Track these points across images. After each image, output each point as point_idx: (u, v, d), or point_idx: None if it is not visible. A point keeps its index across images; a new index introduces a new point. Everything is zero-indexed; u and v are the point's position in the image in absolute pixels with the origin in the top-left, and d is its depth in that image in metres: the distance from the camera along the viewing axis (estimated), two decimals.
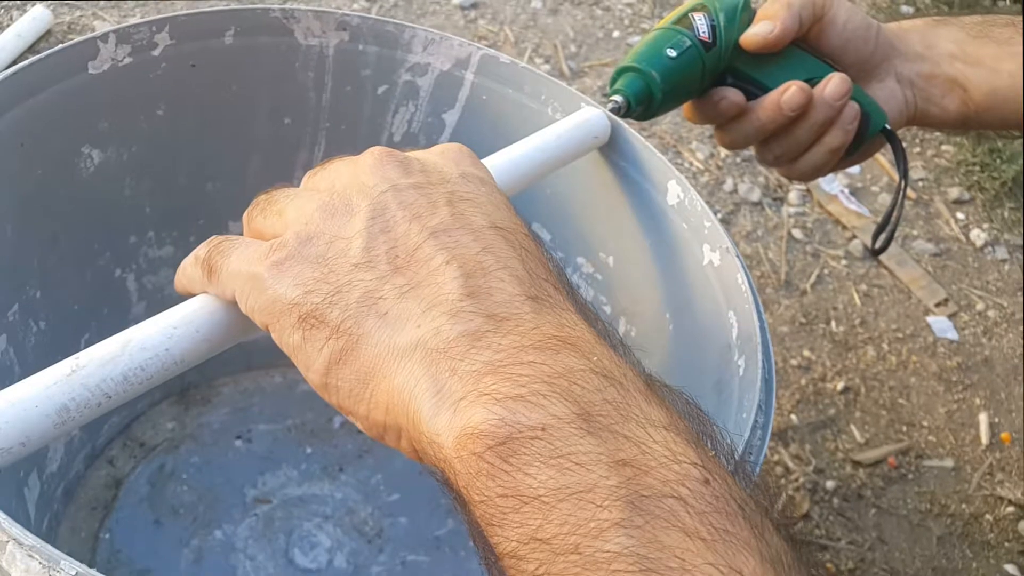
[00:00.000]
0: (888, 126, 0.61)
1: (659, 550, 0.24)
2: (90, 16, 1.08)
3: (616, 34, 1.31)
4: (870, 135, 0.60)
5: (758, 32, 0.57)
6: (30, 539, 0.32)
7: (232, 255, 0.35)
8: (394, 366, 0.29)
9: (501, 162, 0.51)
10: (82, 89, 0.51)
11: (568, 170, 0.61)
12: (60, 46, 0.48)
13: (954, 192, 1.22)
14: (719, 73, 0.58)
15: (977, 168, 1.24)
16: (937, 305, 1.08)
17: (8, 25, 1.03)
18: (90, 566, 0.67)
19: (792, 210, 1.14)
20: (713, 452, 0.28)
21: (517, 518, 0.25)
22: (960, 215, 1.20)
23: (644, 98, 0.56)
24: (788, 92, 0.57)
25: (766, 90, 0.58)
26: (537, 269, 0.32)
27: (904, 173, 0.62)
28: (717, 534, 0.25)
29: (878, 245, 0.64)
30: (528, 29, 1.27)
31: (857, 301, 1.06)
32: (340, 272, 0.31)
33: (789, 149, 0.60)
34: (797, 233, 1.12)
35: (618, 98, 0.56)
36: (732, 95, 0.58)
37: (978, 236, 1.17)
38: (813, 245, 1.11)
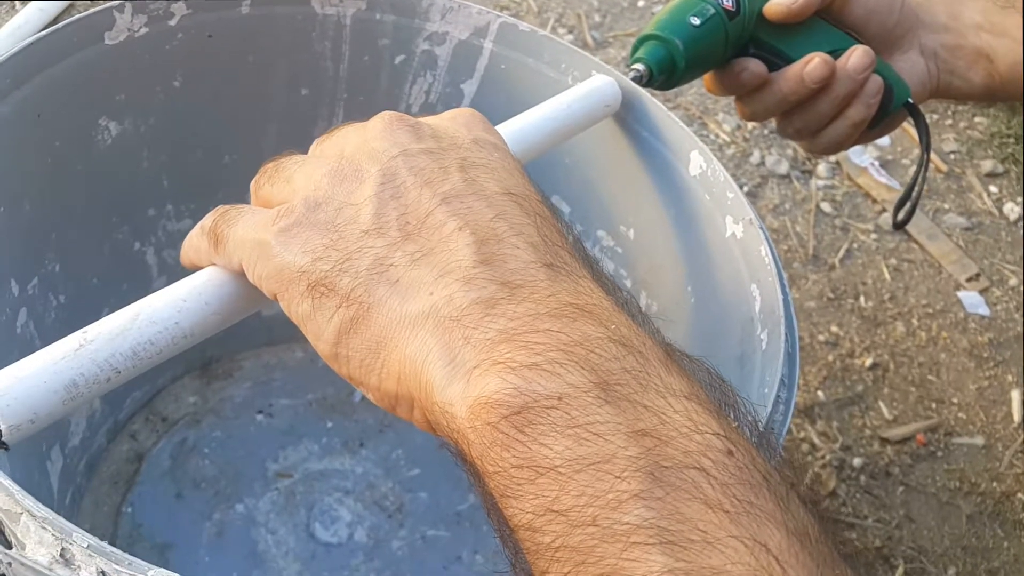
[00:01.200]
0: (911, 99, 0.59)
1: (680, 522, 0.23)
2: None
3: (641, 3, 1.29)
4: (893, 109, 0.59)
5: (782, 2, 0.55)
6: (43, 511, 0.31)
7: (238, 223, 0.34)
8: (406, 335, 0.28)
9: (510, 131, 0.50)
10: (99, 60, 0.50)
11: (588, 140, 0.60)
12: (75, 16, 0.47)
13: (987, 165, 1.19)
14: (742, 43, 0.57)
15: (1012, 140, 1.21)
16: (968, 280, 1.05)
17: None
18: (112, 540, 0.67)
19: (821, 183, 1.12)
20: (736, 423, 0.27)
21: (533, 489, 0.25)
22: (993, 188, 1.17)
23: (666, 67, 0.55)
24: (811, 64, 0.55)
25: (788, 61, 0.57)
26: (552, 236, 0.31)
27: (926, 146, 0.60)
28: (741, 506, 0.24)
29: (900, 217, 0.63)
30: None
31: (887, 276, 1.04)
32: (350, 239, 0.30)
33: (810, 122, 0.59)
34: (826, 206, 1.10)
35: (640, 67, 0.55)
36: (754, 66, 0.57)
37: (1012, 210, 1.14)
38: (842, 219, 1.09)
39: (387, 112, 0.35)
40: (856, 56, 0.56)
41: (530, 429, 0.25)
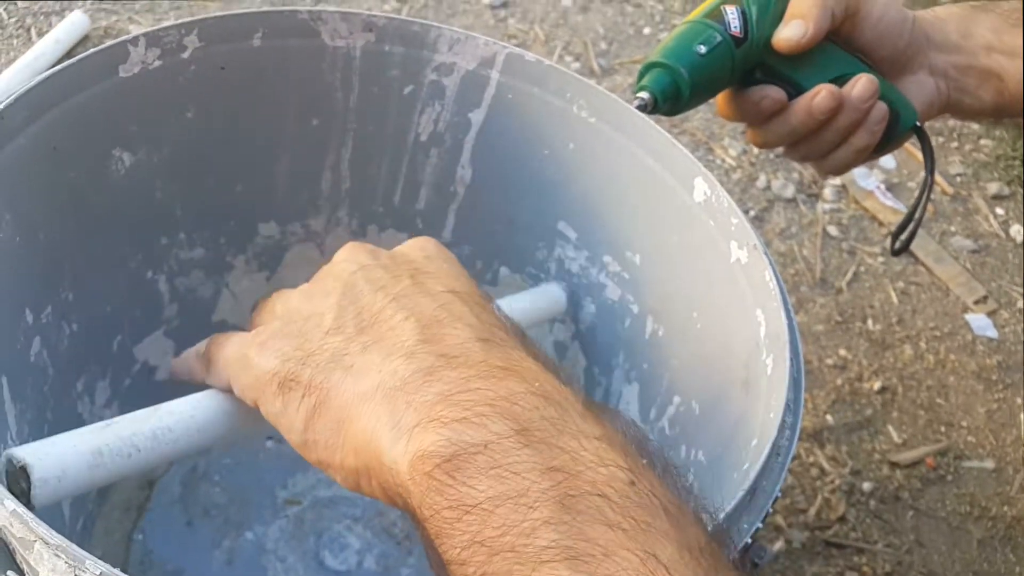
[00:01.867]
0: (919, 123, 0.59)
1: (584, 540, 0.27)
2: (126, 21, 1.10)
3: (647, 31, 1.30)
4: (899, 133, 0.59)
5: (791, 36, 0.56)
6: (56, 539, 0.32)
7: (226, 346, 0.41)
8: (360, 409, 0.33)
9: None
10: (113, 92, 0.51)
11: (595, 168, 0.61)
12: (90, 50, 0.48)
13: (993, 187, 1.19)
14: (748, 69, 0.57)
15: (1017, 162, 1.21)
16: (976, 302, 1.06)
17: (47, 31, 1.06)
18: (124, 567, 0.67)
19: (827, 206, 1.13)
20: (645, 461, 0.31)
21: (460, 526, 0.29)
22: (999, 210, 1.17)
23: (671, 95, 0.55)
24: (818, 97, 0.56)
25: (797, 87, 0.57)
26: (489, 319, 0.36)
27: (931, 170, 0.61)
28: (638, 525, 0.28)
29: (897, 245, 0.63)
30: (558, 27, 1.26)
31: (894, 299, 1.04)
32: (314, 340, 0.36)
33: (816, 149, 0.59)
34: (832, 230, 1.11)
35: (644, 95, 0.55)
36: (774, 93, 0.57)
37: (1018, 232, 1.14)
38: (849, 242, 1.10)
39: (350, 242, 0.43)
40: (860, 86, 0.56)
41: (459, 474, 0.29)
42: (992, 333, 1.03)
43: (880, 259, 1.08)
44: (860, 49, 0.58)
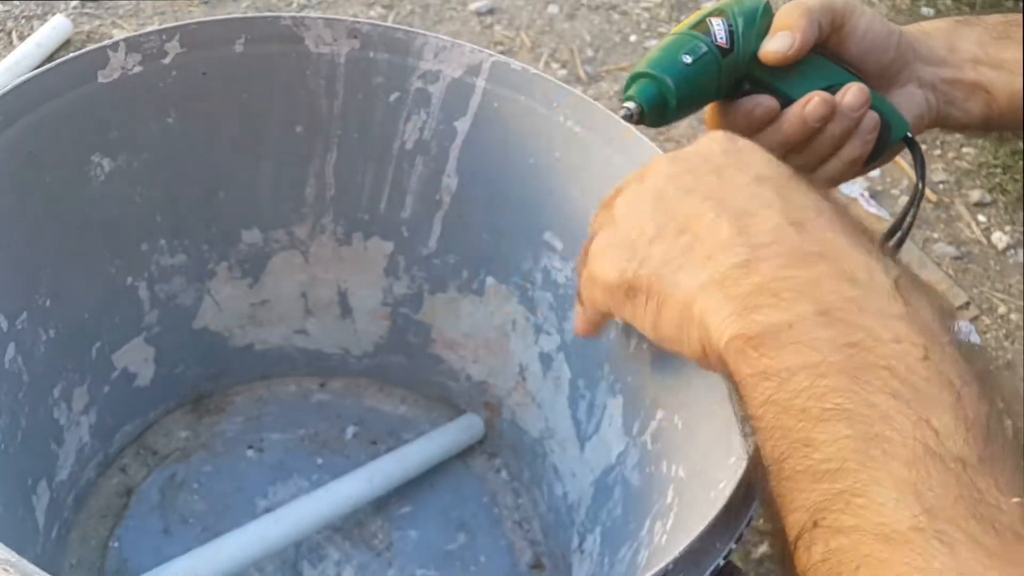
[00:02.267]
0: (910, 133, 0.59)
1: (865, 406, 0.31)
2: (109, 25, 1.09)
3: (633, 38, 1.30)
4: (890, 144, 0.59)
5: (778, 48, 0.55)
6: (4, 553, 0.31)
7: (580, 267, 0.47)
8: (692, 306, 0.37)
9: (392, 459, 0.72)
10: (92, 98, 0.51)
11: (581, 178, 0.60)
12: (69, 55, 0.47)
13: (975, 195, 1.20)
14: (736, 80, 0.57)
15: (999, 170, 1.21)
16: (959, 309, 1.06)
17: (29, 35, 1.04)
18: (100, 573, 0.67)
19: None
20: (947, 338, 0.33)
21: (760, 389, 0.33)
22: (981, 217, 1.18)
23: (657, 105, 0.55)
24: (811, 103, 0.55)
25: (785, 97, 0.57)
26: (798, 200, 0.38)
27: (922, 177, 0.60)
28: (919, 395, 0.30)
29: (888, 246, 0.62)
30: (544, 34, 1.26)
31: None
32: (641, 249, 0.40)
33: (808, 160, 0.58)
34: None
35: (630, 104, 0.55)
36: (767, 101, 0.56)
37: (1000, 239, 1.15)
38: None
39: (657, 156, 0.47)
40: (851, 94, 0.55)
41: (763, 348, 0.33)
42: (975, 339, 1.03)
43: None
44: (848, 63, 0.57)
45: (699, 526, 0.40)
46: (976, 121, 0.61)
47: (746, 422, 0.36)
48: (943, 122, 0.62)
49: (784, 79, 0.57)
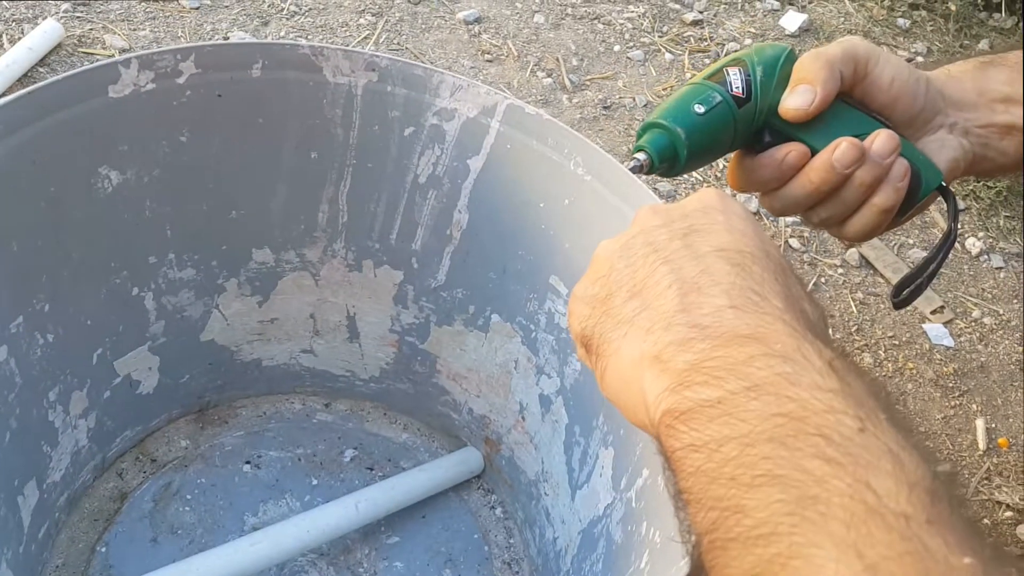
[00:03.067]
0: (944, 183, 0.56)
1: (797, 471, 0.30)
2: (100, 29, 1.09)
3: (617, 48, 1.30)
4: (923, 195, 0.56)
5: (799, 105, 0.53)
6: None
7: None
8: (632, 374, 0.37)
9: (393, 484, 0.73)
10: (101, 112, 0.52)
11: (588, 226, 0.60)
12: (79, 69, 0.48)
13: None
14: (754, 130, 0.55)
15: (972, 178, 1.21)
16: (933, 312, 1.07)
17: (20, 38, 1.04)
18: None
19: (789, 220, 1.13)
20: (885, 416, 0.32)
21: (688, 461, 0.33)
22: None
23: (668, 156, 0.53)
24: (839, 149, 0.52)
25: (810, 148, 0.54)
26: (746, 282, 0.38)
27: (954, 225, 0.57)
28: (856, 461, 0.29)
29: (901, 297, 0.58)
30: (531, 43, 1.26)
31: (853, 309, 1.05)
32: (598, 305, 0.41)
33: (837, 211, 0.55)
34: (794, 242, 1.12)
35: (641, 155, 0.54)
36: (799, 148, 0.54)
37: (974, 244, 1.16)
38: (810, 254, 1.11)
39: (643, 206, 0.45)
40: (880, 141, 0.52)
41: (693, 423, 0.33)
42: (949, 342, 1.04)
43: (840, 270, 1.09)
44: (876, 112, 0.55)
45: None
46: (1012, 161, 0.58)
47: (678, 497, 0.35)
48: (978, 166, 0.59)
49: (808, 129, 0.54)
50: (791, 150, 0.54)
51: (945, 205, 0.57)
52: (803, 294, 0.39)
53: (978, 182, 1.22)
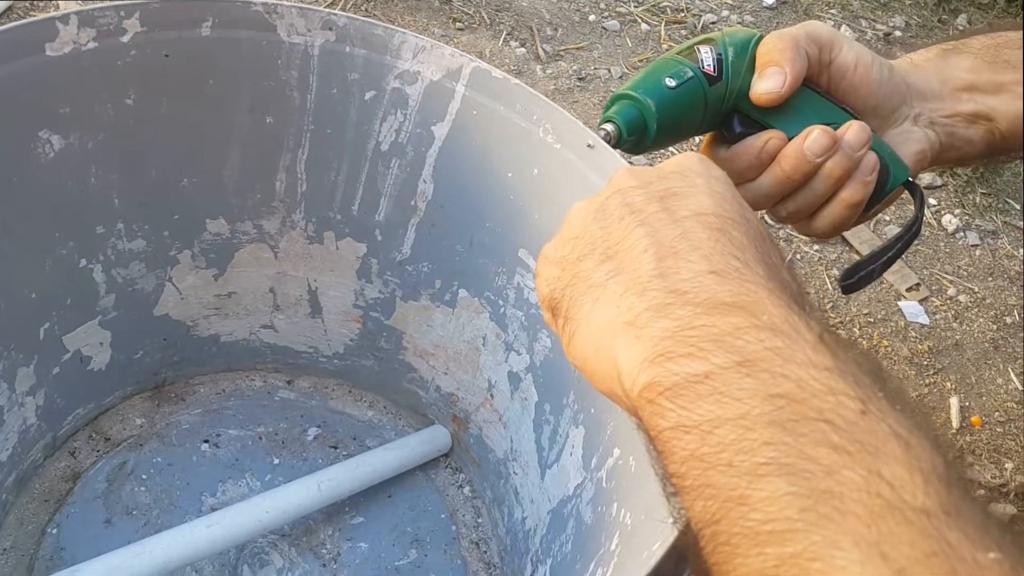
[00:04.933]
0: (911, 178, 0.55)
1: (804, 460, 0.28)
2: None
3: (592, 18, 1.28)
4: (890, 189, 0.55)
5: (771, 88, 0.51)
6: None
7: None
8: (602, 340, 0.35)
9: (362, 461, 0.70)
10: (38, 71, 0.48)
11: (558, 196, 0.57)
12: (10, 24, 0.45)
13: (926, 178, 1.20)
14: (724, 113, 0.53)
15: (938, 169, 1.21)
16: (909, 290, 1.07)
17: None
18: (31, 561, 0.64)
19: None
20: (881, 393, 0.30)
21: (680, 444, 0.30)
22: (932, 201, 1.18)
23: (637, 128, 0.51)
24: (811, 137, 0.51)
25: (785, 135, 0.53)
26: (726, 246, 0.35)
27: (919, 216, 0.55)
28: (864, 448, 0.27)
29: (850, 282, 0.57)
30: (503, 11, 1.23)
31: (828, 286, 1.05)
32: (568, 267, 0.38)
33: (804, 204, 0.53)
34: (769, 219, 1.11)
35: (609, 126, 0.52)
36: (777, 135, 0.52)
37: (950, 222, 1.16)
38: (785, 230, 1.10)
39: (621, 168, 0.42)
40: (853, 132, 0.51)
41: (679, 399, 0.31)
42: (924, 320, 1.03)
43: (815, 247, 1.08)
44: (842, 100, 0.54)
45: None
46: (978, 150, 0.57)
47: (668, 480, 0.32)
48: (944, 156, 0.58)
49: (779, 116, 0.53)
50: (770, 137, 0.52)
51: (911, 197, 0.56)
52: (782, 263, 0.37)
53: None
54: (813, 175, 0.52)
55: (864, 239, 1.09)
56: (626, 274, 0.36)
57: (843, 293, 0.58)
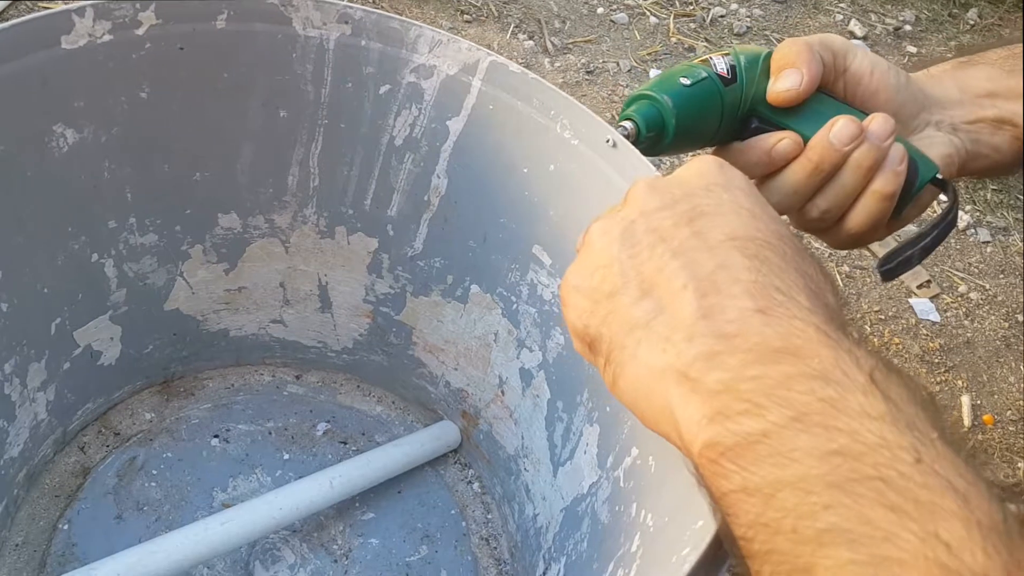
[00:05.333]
0: (939, 175, 0.54)
1: (864, 523, 0.28)
2: None
3: (600, 11, 1.27)
4: (919, 185, 0.54)
5: (788, 87, 0.51)
6: None
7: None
8: (653, 386, 0.35)
9: (371, 458, 0.69)
10: (54, 64, 0.48)
11: (574, 192, 0.57)
12: (27, 17, 0.44)
13: None
14: (741, 115, 0.53)
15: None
16: (919, 287, 1.06)
17: None
18: (43, 557, 0.64)
19: None
20: (936, 435, 0.30)
21: (744, 507, 0.31)
22: (943, 197, 1.16)
23: (656, 125, 0.51)
24: (837, 125, 0.50)
25: (800, 136, 0.53)
26: (766, 278, 0.34)
27: (952, 211, 0.54)
28: (921, 507, 0.28)
29: (888, 267, 0.56)
30: (511, 4, 1.23)
31: (839, 282, 1.04)
32: (602, 301, 0.37)
33: (836, 200, 0.53)
34: (794, 227, 1.10)
35: (628, 124, 0.51)
36: (791, 135, 0.52)
37: (961, 218, 1.15)
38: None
39: (638, 180, 0.40)
40: (877, 122, 0.51)
41: (741, 461, 0.31)
42: (935, 317, 1.03)
43: (826, 243, 1.08)
44: (860, 107, 0.53)
45: None
46: (1008, 159, 0.56)
47: (735, 543, 0.32)
48: (973, 165, 0.57)
49: (797, 119, 0.53)
50: (783, 137, 0.52)
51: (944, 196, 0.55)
52: (821, 278, 0.37)
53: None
54: (841, 166, 0.51)
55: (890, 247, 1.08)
56: (668, 315, 0.35)
57: (882, 280, 0.58)
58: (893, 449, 0.29)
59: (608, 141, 0.52)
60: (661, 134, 0.51)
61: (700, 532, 0.39)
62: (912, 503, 0.28)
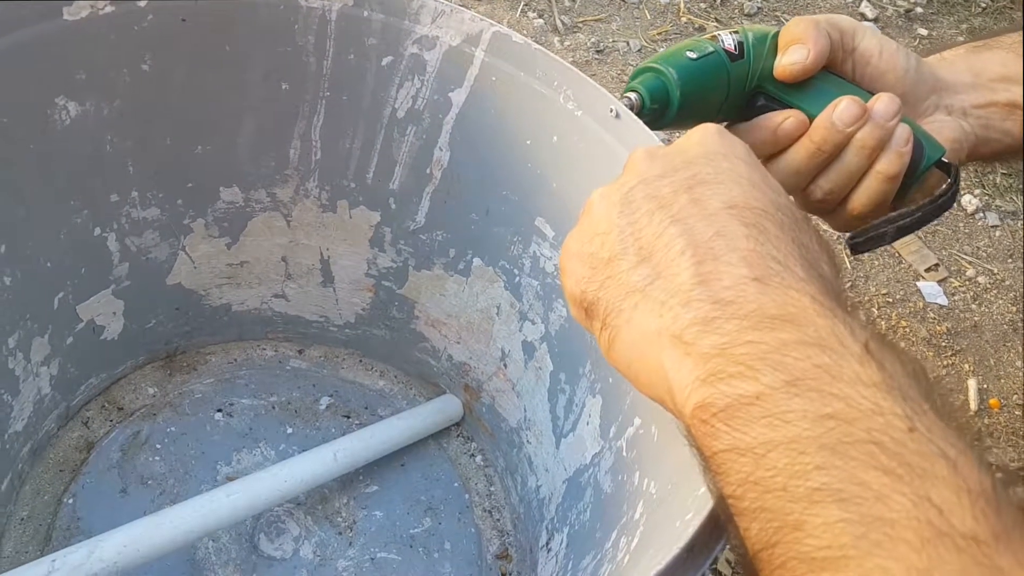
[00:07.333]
0: (945, 158, 0.54)
1: (855, 484, 0.28)
2: None
3: None
4: (925, 166, 0.53)
5: (795, 60, 0.51)
6: None
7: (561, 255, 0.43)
8: (647, 350, 0.35)
9: (375, 431, 0.70)
10: (56, 36, 0.48)
11: (577, 164, 0.57)
12: None
13: None
14: (747, 92, 0.53)
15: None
16: (927, 270, 1.06)
17: None
18: (49, 531, 0.64)
19: None
20: (928, 405, 0.30)
21: (735, 467, 0.31)
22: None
23: (660, 97, 0.51)
24: (840, 106, 0.50)
25: (806, 114, 0.52)
26: (763, 247, 0.35)
27: (953, 191, 0.54)
28: (913, 471, 0.28)
29: (857, 240, 0.54)
30: None
31: (847, 265, 1.04)
32: (600, 267, 0.37)
33: (839, 181, 0.52)
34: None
35: (632, 95, 0.51)
36: (797, 114, 0.52)
37: (969, 202, 1.15)
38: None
39: (637, 148, 0.41)
40: (883, 102, 0.50)
41: (733, 422, 0.31)
42: (943, 300, 1.03)
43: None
44: (869, 88, 0.53)
45: (662, 556, 0.37)
46: (1018, 142, 0.56)
47: (723, 501, 0.33)
48: (982, 150, 0.57)
49: (803, 96, 0.53)
50: (788, 116, 0.52)
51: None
52: (817, 248, 0.37)
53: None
54: (844, 146, 0.51)
55: (906, 242, 1.08)
56: (665, 279, 0.35)
57: (851, 253, 0.57)
58: (887, 416, 0.29)
59: (611, 112, 0.52)
60: (665, 107, 0.51)
61: (703, 498, 0.40)
62: (905, 467, 0.28)
